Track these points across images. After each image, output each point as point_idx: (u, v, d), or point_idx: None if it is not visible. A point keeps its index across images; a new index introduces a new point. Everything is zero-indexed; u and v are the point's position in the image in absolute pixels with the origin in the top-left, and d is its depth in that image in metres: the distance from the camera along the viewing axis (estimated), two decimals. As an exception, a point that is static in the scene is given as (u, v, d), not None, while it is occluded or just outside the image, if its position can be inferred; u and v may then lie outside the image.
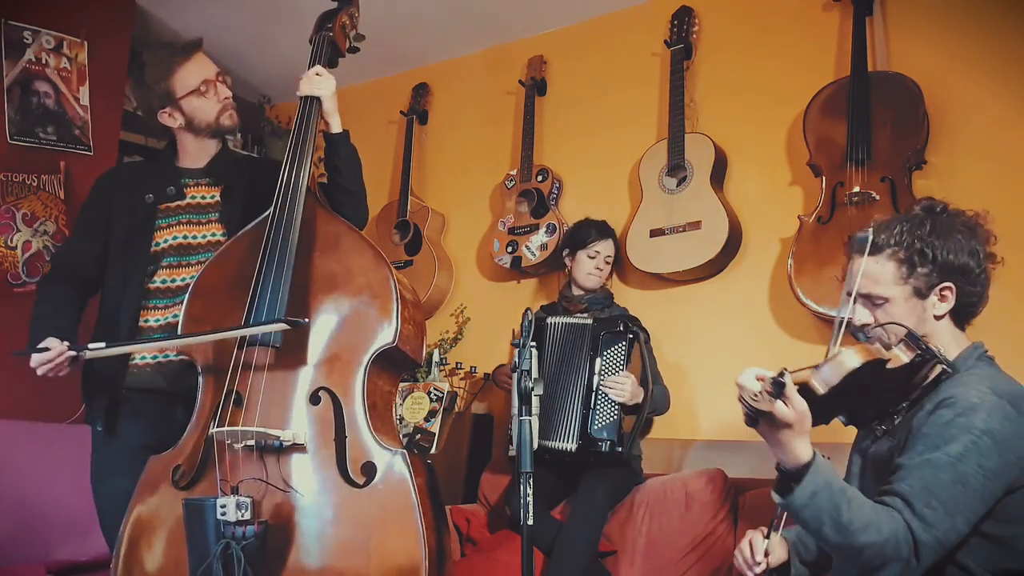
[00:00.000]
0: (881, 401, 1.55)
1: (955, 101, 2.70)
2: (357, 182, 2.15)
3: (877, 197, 2.60)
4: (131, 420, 2.02)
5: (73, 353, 1.87)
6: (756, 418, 1.34)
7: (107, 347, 1.89)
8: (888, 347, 1.45)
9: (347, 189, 2.12)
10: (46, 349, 1.86)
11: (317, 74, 2.05)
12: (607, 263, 3.03)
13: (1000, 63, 2.67)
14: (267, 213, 1.93)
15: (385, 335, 1.82)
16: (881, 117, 2.67)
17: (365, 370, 1.80)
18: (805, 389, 1.34)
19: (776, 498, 1.42)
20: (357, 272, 1.87)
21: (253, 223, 1.98)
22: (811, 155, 2.82)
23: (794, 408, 1.31)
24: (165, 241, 2.07)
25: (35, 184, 3.07)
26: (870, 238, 1.55)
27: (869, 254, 1.57)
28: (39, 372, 1.88)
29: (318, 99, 2.03)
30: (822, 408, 1.37)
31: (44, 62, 3.14)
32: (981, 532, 1.42)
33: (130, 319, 2.02)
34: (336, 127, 2.09)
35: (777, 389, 1.29)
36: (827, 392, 1.34)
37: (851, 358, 1.36)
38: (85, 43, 3.24)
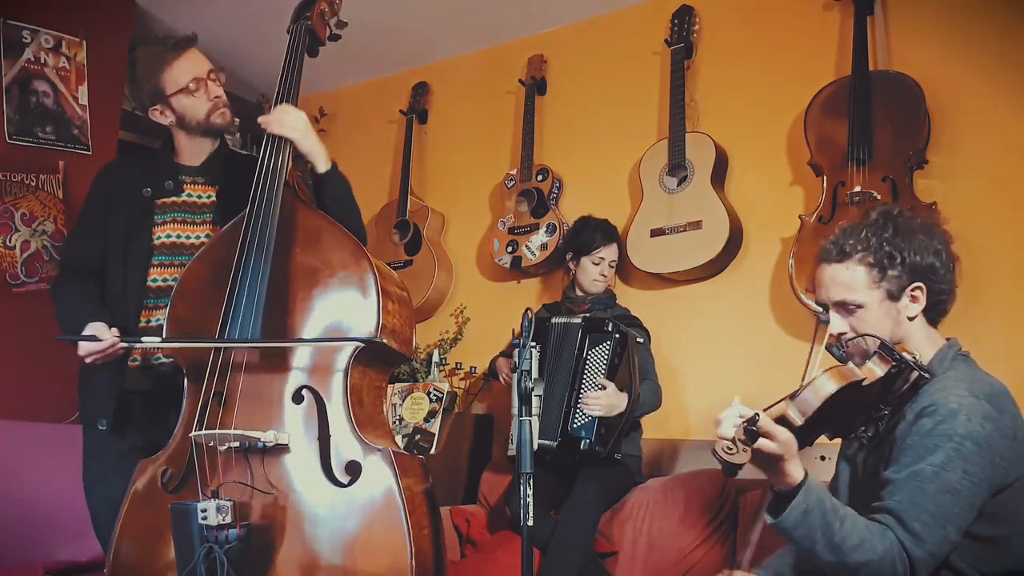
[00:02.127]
0: (862, 413, 1.56)
1: (956, 100, 2.69)
2: (351, 215, 2.03)
3: (878, 197, 2.59)
4: (128, 422, 2.00)
5: (125, 345, 1.83)
6: (734, 469, 1.33)
7: (162, 341, 1.84)
8: (864, 360, 1.46)
9: (340, 220, 2.02)
10: (94, 337, 1.82)
11: (285, 113, 1.94)
12: (611, 267, 3.00)
13: (1001, 62, 2.66)
14: (244, 212, 1.89)
15: (365, 330, 1.79)
16: (882, 117, 2.66)
17: (347, 367, 1.78)
18: (783, 421, 1.35)
19: (767, 519, 1.43)
20: (337, 266, 1.84)
21: (232, 221, 1.94)
22: (812, 154, 2.81)
23: (778, 440, 1.33)
24: (158, 238, 2.04)
25: (34, 184, 3.06)
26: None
27: (838, 260, 1.58)
28: (87, 360, 1.84)
29: (288, 140, 1.93)
30: (803, 433, 1.38)
31: (43, 61, 3.13)
32: (970, 533, 1.42)
33: (134, 318, 1.99)
34: (322, 165, 1.97)
35: (751, 437, 1.30)
36: (804, 422, 1.36)
37: (826, 384, 1.37)
38: (84, 42, 3.23)
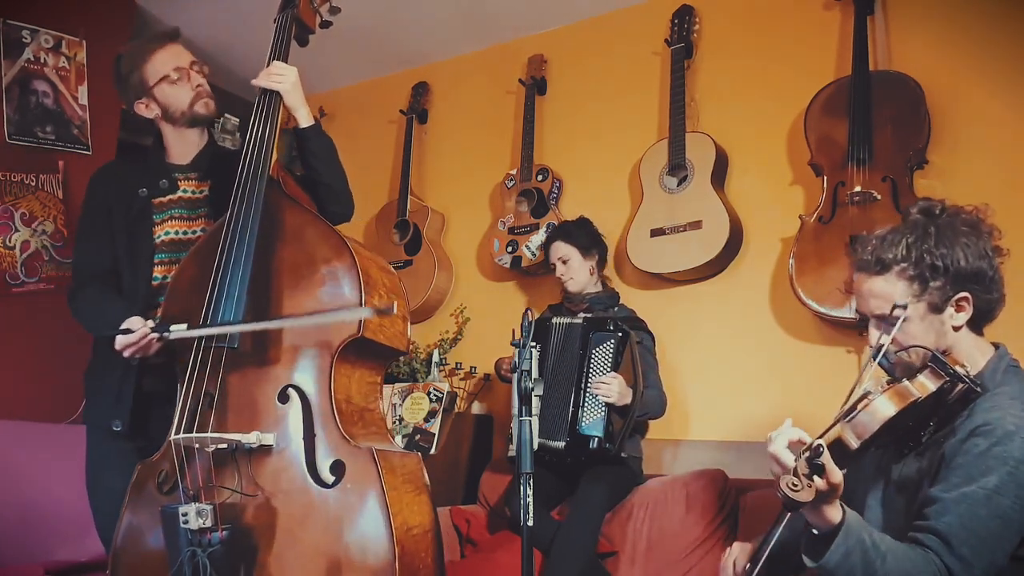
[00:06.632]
0: (909, 431, 1.49)
1: (956, 100, 2.69)
2: (334, 174, 2.08)
3: (878, 197, 2.59)
4: (134, 422, 2.00)
5: (156, 335, 1.82)
6: (796, 506, 1.27)
7: (189, 328, 1.81)
8: (913, 375, 1.40)
9: (323, 183, 2.06)
10: (128, 331, 1.82)
11: (275, 67, 1.97)
12: (564, 263, 2.95)
13: (1001, 62, 2.66)
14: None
15: (349, 325, 1.75)
16: (882, 116, 2.66)
17: (332, 364, 1.75)
18: (838, 445, 1.30)
19: (808, 562, 1.38)
20: (320, 261, 1.82)
21: (220, 220, 1.93)
22: (812, 154, 2.81)
23: (829, 481, 1.27)
24: (159, 237, 2.05)
25: (34, 184, 3.06)
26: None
27: (876, 273, 1.51)
28: (125, 354, 1.84)
29: (277, 94, 1.96)
30: (855, 456, 1.34)
31: (43, 61, 3.13)
32: (1015, 556, 1.38)
33: (143, 315, 1.97)
34: (304, 120, 2.02)
35: (815, 471, 1.24)
36: (860, 445, 1.31)
37: (884, 407, 1.32)
38: (84, 42, 3.23)
